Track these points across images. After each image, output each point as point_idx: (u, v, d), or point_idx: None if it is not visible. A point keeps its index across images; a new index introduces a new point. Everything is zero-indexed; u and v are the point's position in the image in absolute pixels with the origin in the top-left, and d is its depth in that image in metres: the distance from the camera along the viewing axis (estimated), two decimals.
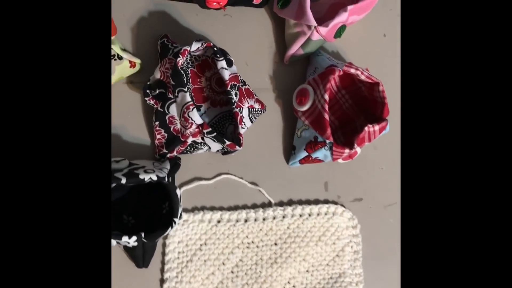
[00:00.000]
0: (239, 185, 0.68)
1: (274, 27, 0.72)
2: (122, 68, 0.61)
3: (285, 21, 0.70)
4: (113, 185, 0.55)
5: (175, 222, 0.57)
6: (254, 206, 0.69)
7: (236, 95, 0.63)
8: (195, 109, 0.60)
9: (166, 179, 0.57)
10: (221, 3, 0.64)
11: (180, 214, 0.60)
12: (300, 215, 0.69)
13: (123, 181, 0.55)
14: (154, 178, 0.56)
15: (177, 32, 0.68)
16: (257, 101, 0.67)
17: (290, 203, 0.70)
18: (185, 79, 0.60)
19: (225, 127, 0.67)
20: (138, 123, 0.65)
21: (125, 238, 0.55)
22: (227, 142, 0.62)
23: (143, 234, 0.56)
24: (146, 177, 0.56)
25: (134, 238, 0.55)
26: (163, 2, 0.67)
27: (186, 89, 0.59)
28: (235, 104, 0.62)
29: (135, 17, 0.66)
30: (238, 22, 0.70)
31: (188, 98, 0.59)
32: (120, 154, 0.64)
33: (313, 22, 0.63)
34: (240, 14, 0.70)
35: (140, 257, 0.60)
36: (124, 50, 0.61)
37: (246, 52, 0.70)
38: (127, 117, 0.65)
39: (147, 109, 0.65)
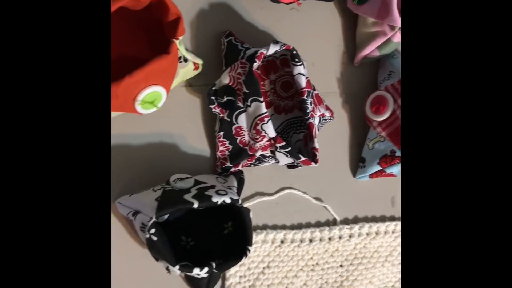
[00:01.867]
0: (302, 200, 0.62)
1: (344, 24, 0.64)
2: (186, 71, 0.53)
3: (358, 18, 0.63)
4: (182, 208, 0.48)
5: (249, 251, 0.50)
6: (319, 224, 0.63)
7: (311, 104, 0.55)
8: (270, 122, 0.52)
9: (239, 202, 0.50)
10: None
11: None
12: (367, 234, 0.63)
13: (196, 205, 0.47)
14: (228, 201, 0.49)
15: (239, 27, 0.59)
16: (327, 108, 0.60)
17: (355, 220, 0.64)
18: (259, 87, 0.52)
19: (289, 136, 0.60)
20: (198, 132, 0.57)
21: (196, 270, 0.48)
22: (302, 158, 0.55)
23: (214, 265, 0.49)
24: (219, 200, 0.49)
25: (206, 269, 0.48)
26: None
27: (261, 99, 0.52)
28: (309, 114, 0.55)
29: (193, 11, 0.58)
30: (305, 18, 0.63)
31: (264, 109, 0.52)
32: (177, 166, 0.56)
33: (399, 23, 0.56)
34: (308, 8, 0.62)
35: (204, 286, 0.53)
36: (187, 50, 0.53)
37: (313, 51, 0.63)
38: (185, 125, 0.57)
39: (209, 116, 0.57)
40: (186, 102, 0.57)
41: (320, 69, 0.63)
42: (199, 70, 0.56)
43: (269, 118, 0.52)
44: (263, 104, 0.52)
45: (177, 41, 0.49)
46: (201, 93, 0.58)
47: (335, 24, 0.64)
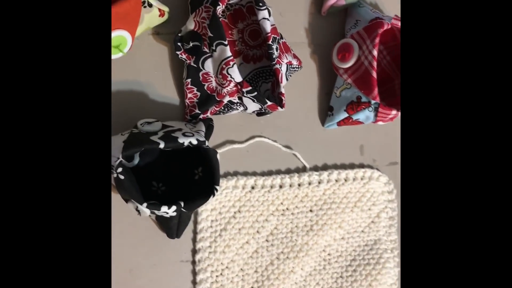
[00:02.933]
0: (272, 148, 0.63)
1: None
2: (150, 17, 0.54)
3: None
4: (149, 148, 0.49)
5: (216, 190, 0.52)
6: (289, 171, 0.64)
7: (276, 49, 0.56)
8: (235, 65, 0.53)
9: (206, 144, 0.52)
10: None
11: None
12: (336, 181, 0.65)
13: (162, 145, 0.49)
14: (194, 142, 0.50)
15: None
16: (294, 56, 0.61)
17: (325, 167, 0.66)
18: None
19: (258, 85, 0.61)
20: (166, 80, 0.58)
21: (164, 208, 0.49)
22: (268, 103, 0.56)
23: (182, 204, 0.50)
24: (185, 141, 0.50)
25: (174, 208, 0.50)
26: None
27: (226, 42, 0.52)
28: (276, 60, 0.56)
29: None
30: None
31: (229, 53, 0.53)
32: (147, 115, 0.57)
33: None
34: None
35: (175, 227, 0.55)
36: None
37: (280, 1, 0.63)
38: (153, 73, 0.58)
39: (176, 64, 0.58)
40: (153, 50, 0.58)
41: (288, 19, 0.64)
42: (165, 17, 0.56)
43: (234, 62, 0.53)
44: (228, 48, 0.53)
45: None
46: (169, 41, 0.59)
47: None
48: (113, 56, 0.51)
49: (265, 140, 0.63)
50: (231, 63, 0.53)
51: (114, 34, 0.49)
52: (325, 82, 0.66)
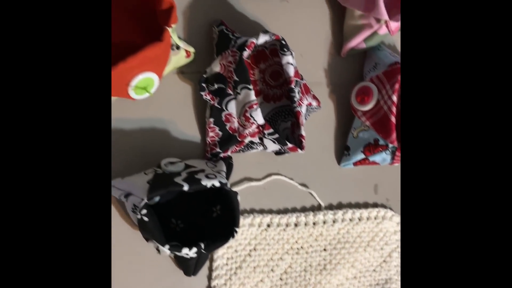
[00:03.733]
0: (289, 186, 0.64)
1: (332, 16, 0.66)
2: (177, 59, 0.55)
3: (346, 11, 0.65)
4: (175, 190, 0.50)
5: (236, 232, 0.53)
6: (304, 209, 0.65)
7: (298, 92, 0.57)
8: (259, 109, 0.54)
9: (228, 185, 0.52)
10: None
11: None
12: (350, 220, 0.66)
13: (186, 188, 0.49)
14: (217, 184, 0.51)
15: (230, 17, 0.61)
16: (314, 97, 0.62)
17: (339, 206, 0.67)
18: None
19: (277, 124, 0.62)
20: (188, 118, 0.59)
21: (185, 250, 0.50)
22: (289, 145, 0.57)
23: (203, 246, 0.51)
24: (208, 183, 0.51)
25: (194, 249, 0.50)
26: None
27: (251, 87, 0.54)
28: (297, 102, 0.57)
29: (187, 0, 0.59)
30: (294, 9, 0.64)
31: (253, 97, 0.54)
32: (169, 152, 0.58)
33: (386, 16, 0.58)
34: (298, 0, 0.64)
35: (193, 266, 0.55)
36: (180, 38, 0.54)
37: (301, 42, 0.65)
38: (177, 111, 0.59)
39: (199, 103, 0.59)
40: (178, 89, 0.59)
41: (308, 60, 0.65)
42: (191, 58, 0.57)
43: (258, 105, 0.54)
44: (253, 92, 0.54)
45: (170, 29, 0.50)
46: (193, 80, 0.60)
47: (323, 16, 0.66)
48: (140, 97, 0.52)
49: (282, 178, 0.64)
50: (255, 106, 0.54)
51: (143, 76, 0.50)
52: (342, 121, 0.67)
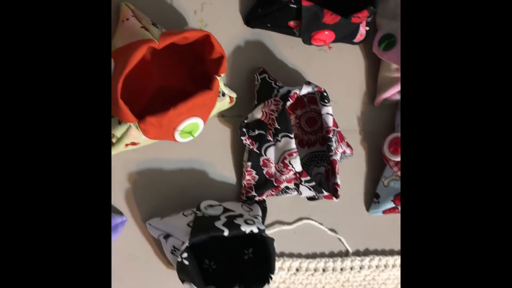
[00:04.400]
0: (318, 231, 0.65)
1: (368, 66, 0.68)
2: (222, 104, 0.56)
3: (381, 63, 0.67)
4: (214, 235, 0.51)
5: (271, 278, 0.53)
6: (332, 255, 0.66)
7: (335, 141, 0.59)
8: (298, 157, 0.56)
9: (265, 231, 0.53)
10: (326, 41, 0.60)
11: None
12: (377, 267, 0.66)
13: (226, 233, 0.50)
14: (255, 230, 0.52)
15: (271, 64, 0.63)
16: (348, 145, 0.64)
17: (366, 252, 0.67)
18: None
19: (310, 169, 0.64)
20: (226, 160, 0.61)
21: None
22: (325, 193, 0.58)
23: None
24: (247, 229, 0.52)
25: None
26: (261, 31, 0.62)
27: (292, 136, 0.55)
28: (333, 151, 0.59)
29: (230, 46, 0.61)
30: (332, 58, 0.66)
31: (293, 145, 0.55)
32: (205, 192, 0.59)
33: None
34: (336, 49, 0.66)
35: None
36: (225, 85, 0.56)
37: (337, 90, 0.67)
38: (215, 153, 0.60)
39: (238, 146, 0.61)
40: (217, 131, 0.60)
41: (342, 107, 0.67)
42: (233, 103, 0.59)
43: (297, 153, 0.56)
44: (293, 141, 0.55)
45: (218, 78, 0.52)
46: (232, 123, 0.61)
47: (359, 66, 0.68)
48: (184, 140, 0.53)
49: (312, 222, 0.65)
50: (294, 154, 0.55)
51: (190, 121, 0.51)
52: (373, 168, 0.68)
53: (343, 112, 0.67)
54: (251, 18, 0.61)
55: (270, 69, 0.63)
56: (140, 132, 0.50)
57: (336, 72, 0.67)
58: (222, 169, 0.61)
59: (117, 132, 0.51)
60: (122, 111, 0.48)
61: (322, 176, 0.63)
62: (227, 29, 0.61)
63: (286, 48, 0.64)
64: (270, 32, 0.63)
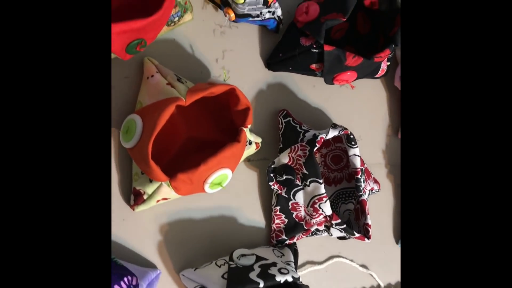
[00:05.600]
0: (350, 267, 0.65)
1: (390, 99, 0.68)
2: (249, 151, 0.57)
3: None
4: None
5: None
6: None
7: (363, 181, 0.59)
8: (328, 201, 0.55)
9: (300, 279, 0.53)
10: (349, 81, 0.60)
11: None
12: None
13: (261, 285, 0.50)
14: (290, 279, 0.52)
15: (292, 104, 0.63)
16: (375, 181, 0.63)
17: (397, 285, 0.67)
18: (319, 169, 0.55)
19: (338, 206, 0.63)
20: (254, 204, 0.61)
21: None
22: (356, 235, 0.58)
23: None
24: (282, 279, 0.52)
25: None
26: (282, 73, 0.62)
27: (321, 181, 0.55)
28: (362, 190, 0.58)
29: (253, 89, 0.61)
30: (353, 93, 0.66)
31: (323, 190, 0.55)
32: (235, 238, 0.60)
33: None
34: (357, 84, 0.66)
35: None
36: (251, 132, 0.56)
37: (360, 125, 0.67)
38: (243, 198, 0.60)
39: (265, 190, 0.61)
40: (244, 176, 0.60)
41: (367, 141, 0.67)
42: (259, 148, 0.59)
43: (327, 198, 0.55)
44: (322, 186, 0.55)
45: (245, 129, 0.52)
46: (258, 167, 0.61)
47: (381, 99, 0.68)
48: (213, 191, 0.53)
49: (343, 260, 0.64)
50: (324, 199, 0.55)
51: (219, 173, 0.52)
52: (400, 202, 0.67)
53: (368, 146, 0.67)
54: (272, 62, 0.61)
55: (293, 109, 0.63)
56: (171, 189, 0.50)
57: (359, 107, 0.67)
58: (251, 213, 0.61)
59: (148, 189, 0.51)
60: (153, 172, 0.48)
61: (351, 214, 0.62)
62: (249, 73, 0.61)
63: (308, 87, 0.64)
64: (291, 73, 0.63)
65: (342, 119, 0.65)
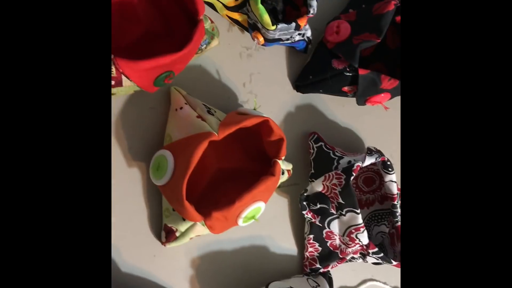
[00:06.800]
0: None
1: None
2: (281, 180, 0.54)
3: None
4: None
5: None
6: None
7: (399, 206, 0.57)
8: (365, 231, 0.53)
9: None
10: (382, 102, 0.58)
11: None
12: None
13: None
14: None
15: (322, 125, 0.61)
16: None
17: None
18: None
19: (371, 229, 0.62)
20: (286, 232, 0.59)
21: None
22: (394, 263, 0.56)
23: None
24: None
25: None
26: (310, 94, 0.60)
27: (358, 211, 0.53)
28: (398, 217, 0.56)
29: (281, 112, 0.59)
30: (384, 112, 0.64)
31: (360, 220, 0.53)
32: (268, 267, 0.58)
33: None
34: (388, 103, 0.63)
35: None
36: (283, 161, 0.54)
37: (391, 143, 0.64)
38: (274, 226, 0.58)
39: (297, 216, 0.59)
40: (275, 203, 0.59)
41: (399, 160, 0.65)
42: (291, 175, 0.57)
43: (364, 228, 0.53)
44: (360, 216, 0.53)
45: (279, 161, 0.50)
46: (289, 193, 0.59)
47: None
48: (246, 224, 0.51)
49: (376, 283, 0.63)
50: (362, 229, 0.53)
51: (253, 207, 0.50)
52: None
53: (399, 165, 0.65)
54: (301, 84, 0.59)
55: (323, 130, 0.60)
56: (205, 227, 0.49)
57: (390, 126, 0.65)
58: (283, 241, 0.59)
59: (181, 227, 0.50)
60: (188, 212, 0.46)
61: (385, 237, 0.60)
62: (277, 95, 0.59)
63: (337, 107, 0.62)
64: (320, 94, 0.60)
65: (372, 138, 0.63)
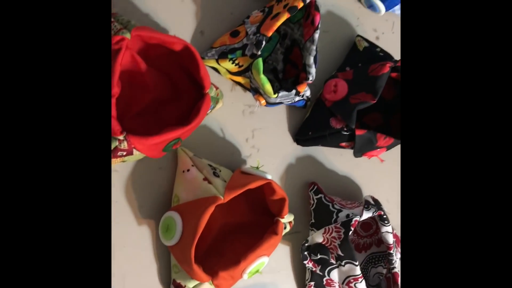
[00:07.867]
0: None
1: None
2: (283, 233, 0.57)
3: None
4: None
5: None
6: None
7: (395, 254, 0.60)
8: (363, 281, 0.56)
9: None
10: (378, 155, 0.61)
11: None
12: None
13: None
14: None
15: (321, 174, 0.64)
16: None
17: None
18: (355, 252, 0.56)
19: (368, 271, 0.65)
20: (287, 280, 0.62)
21: None
22: None
23: None
24: None
25: None
26: (311, 148, 0.63)
27: (356, 263, 0.56)
28: (394, 264, 0.59)
29: (282, 164, 0.62)
30: (380, 163, 0.67)
31: (358, 271, 0.56)
32: None
33: None
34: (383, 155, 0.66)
35: None
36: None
37: (388, 188, 0.67)
38: (276, 274, 0.61)
39: (298, 264, 0.62)
40: (277, 251, 0.61)
41: (394, 205, 0.68)
42: (292, 226, 0.60)
43: (362, 278, 0.56)
44: (358, 267, 0.56)
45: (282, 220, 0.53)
46: (290, 240, 0.62)
47: None
48: (250, 277, 0.54)
49: None
50: (360, 279, 0.56)
51: (258, 262, 0.52)
52: None
53: (396, 210, 0.68)
54: (301, 139, 0.62)
55: (321, 179, 0.63)
56: (212, 285, 0.51)
57: (386, 173, 0.68)
58: (285, 286, 0.62)
59: (190, 284, 0.52)
60: (196, 274, 0.49)
61: (382, 280, 0.63)
62: (278, 148, 0.62)
63: (335, 156, 0.65)
64: (320, 147, 0.63)
65: (369, 185, 0.66)
